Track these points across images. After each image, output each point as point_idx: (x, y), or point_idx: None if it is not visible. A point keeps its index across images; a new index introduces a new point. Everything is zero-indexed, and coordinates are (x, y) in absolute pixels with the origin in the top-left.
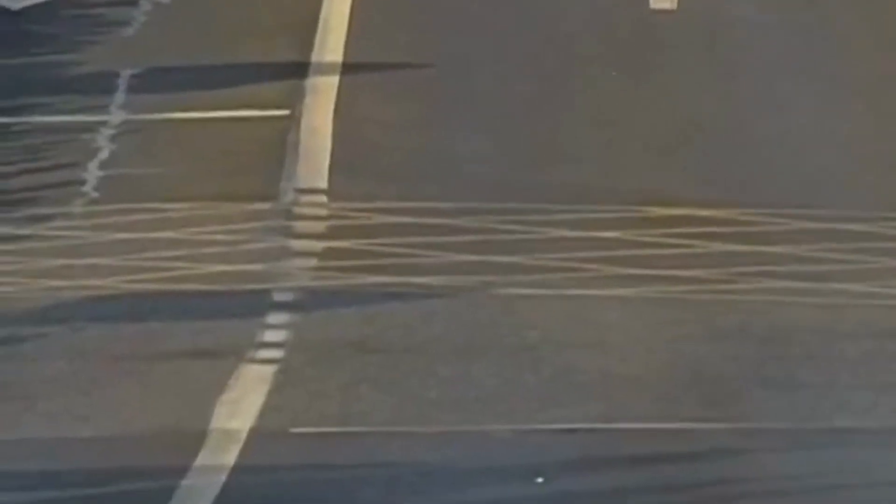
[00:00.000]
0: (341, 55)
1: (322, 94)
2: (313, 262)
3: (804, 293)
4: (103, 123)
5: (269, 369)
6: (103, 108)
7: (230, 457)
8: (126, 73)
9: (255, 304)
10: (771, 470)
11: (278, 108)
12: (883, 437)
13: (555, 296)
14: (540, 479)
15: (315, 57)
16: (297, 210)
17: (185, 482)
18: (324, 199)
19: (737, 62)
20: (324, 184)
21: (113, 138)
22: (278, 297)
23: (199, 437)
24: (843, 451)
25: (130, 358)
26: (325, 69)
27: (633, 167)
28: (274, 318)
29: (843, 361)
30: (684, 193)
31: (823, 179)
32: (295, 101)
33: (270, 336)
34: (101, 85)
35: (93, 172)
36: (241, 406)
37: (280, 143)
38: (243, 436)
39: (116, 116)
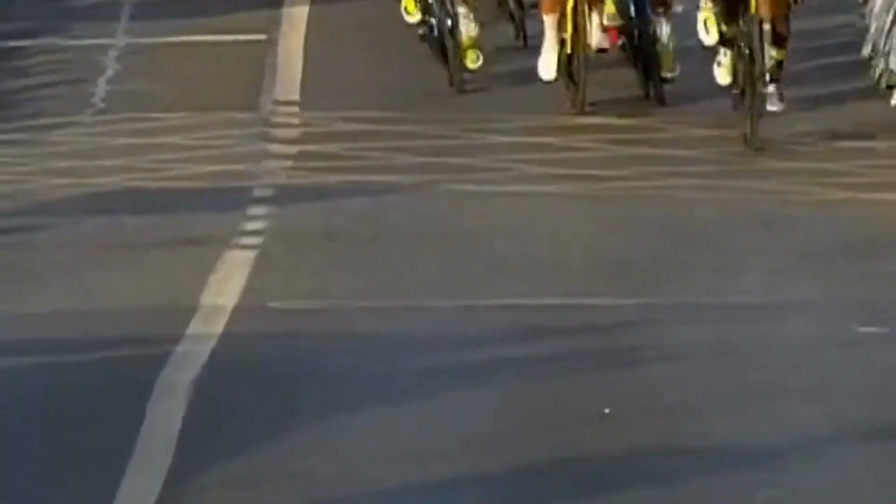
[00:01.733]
0: None
1: (295, 22)
2: (288, 163)
3: (705, 189)
4: (110, 46)
5: (250, 254)
6: (110, 33)
7: (217, 327)
8: (129, 4)
9: (237, 199)
10: (673, 339)
11: (258, 33)
12: (767, 311)
13: (495, 192)
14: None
15: None
16: (274, 119)
17: (178, 348)
18: (297, 109)
19: None
20: (297, 97)
21: (118, 59)
22: (258, 192)
23: (189, 311)
24: (734, 324)
25: (130, 245)
26: (298, 1)
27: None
28: (254, 210)
29: (737, 249)
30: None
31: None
32: (272, 27)
33: (251, 226)
34: (108, 13)
35: (101, 87)
36: (226, 285)
37: (259, 63)
38: (228, 310)
39: (121, 40)
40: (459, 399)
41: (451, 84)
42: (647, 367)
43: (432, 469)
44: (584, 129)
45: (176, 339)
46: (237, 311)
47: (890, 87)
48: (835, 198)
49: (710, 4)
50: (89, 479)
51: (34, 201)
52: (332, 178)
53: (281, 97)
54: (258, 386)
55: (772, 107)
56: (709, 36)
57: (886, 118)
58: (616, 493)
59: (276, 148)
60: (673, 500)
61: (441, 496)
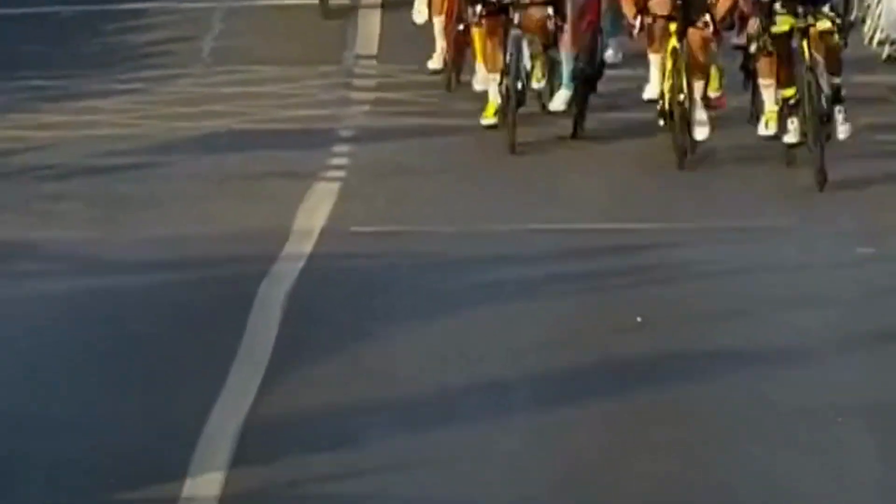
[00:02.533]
0: None
1: None
2: (366, 107)
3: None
4: (215, 8)
5: (335, 186)
6: None
7: (307, 248)
8: None
9: (324, 139)
10: (690, 258)
11: None
12: (766, 233)
13: (551, 140)
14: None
15: None
16: (355, 70)
17: (274, 267)
18: (374, 63)
19: None
20: (375, 51)
21: (222, 19)
22: (341, 133)
23: (284, 235)
24: (742, 245)
25: (234, 178)
26: None
27: None
28: (338, 148)
29: (748, 177)
30: None
31: None
32: None
33: (335, 161)
34: None
35: (208, 43)
36: (314, 212)
37: (343, 23)
38: (316, 233)
39: (224, 3)
40: (510, 311)
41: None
42: (672, 283)
43: (488, 371)
44: None
45: (273, 258)
46: (324, 233)
47: (881, 44)
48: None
49: (773, 107)
50: (201, 375)
51: (154, 142)
52: (405, 121)
53: (361, 52)
54: (341, 299)
55: (841, 134)
56: (767, 129)
57: None
58: (649, 388)
59: (356, 95)
60: (696, 393)
61: (495, 395)
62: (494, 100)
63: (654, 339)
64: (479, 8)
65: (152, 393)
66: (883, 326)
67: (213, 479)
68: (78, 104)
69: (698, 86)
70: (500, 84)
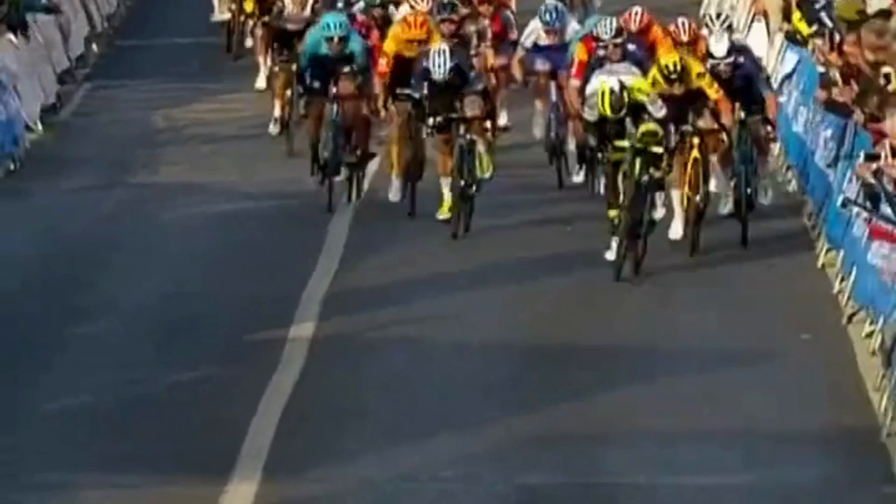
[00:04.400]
0: None
1: None
2: None
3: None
4: None
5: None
6: None
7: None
8: None
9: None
10: None
11: None
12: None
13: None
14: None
15: None
16: None
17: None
18: None
19: None
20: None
21: None
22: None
23: None
24: None
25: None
26: None
27: None
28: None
29: None
30: None
31: None
32: None
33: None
34: None
35: None
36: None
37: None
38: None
39: None
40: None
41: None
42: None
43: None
44: None
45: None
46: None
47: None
48: None
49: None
50: (298, 261)
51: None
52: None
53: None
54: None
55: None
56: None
57: None
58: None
59: None
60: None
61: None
62: (447, 198)
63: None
64: (430, 121)
65: (267, 271)
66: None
67: (308, 327)
68: (225, 97)
69: None
70: (452, 184)
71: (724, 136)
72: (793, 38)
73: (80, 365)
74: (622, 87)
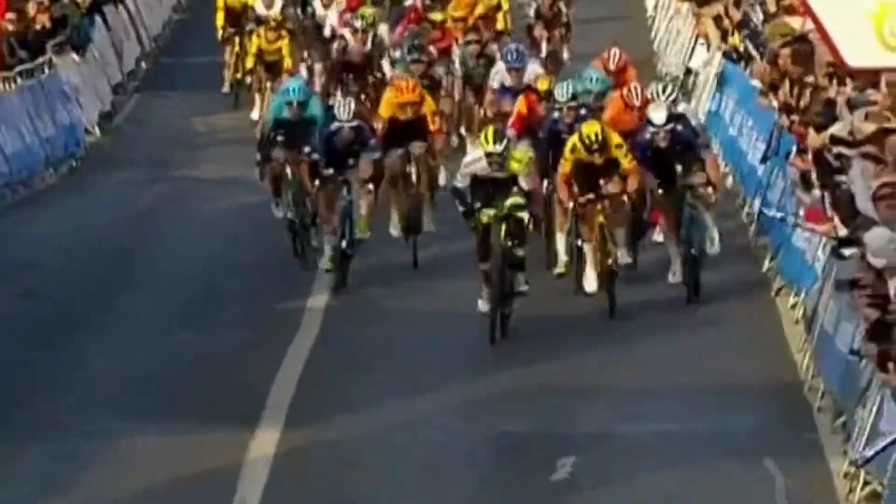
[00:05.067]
0: None
1: None
2: None
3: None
4: None
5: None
6: None
7: None
8: None
9: None
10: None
11: None
12: None
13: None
14: None
15: None
16: None
17: None
18: None
19: None
20: None
21: None
22: None
23: None
24: None
25: None
26: None
27: None
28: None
29: None
30: None
31: None
32: None
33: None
34: None
35: None
36: None
37: None
38: None
39: None
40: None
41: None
42: None
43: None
44: None
45: None
46: None
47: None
48: None
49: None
50: (310, 251)
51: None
52: None
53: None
54: None
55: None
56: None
57: None
58: None
59: None
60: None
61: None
62: (328, 252)
63: None
64: (317, 182)
65: (288, 251)
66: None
67: (322, 298)
68: (242, 112)
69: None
70: (333, 239)
71: (627, 202)
72: (730, 57)
73: (126, 331)
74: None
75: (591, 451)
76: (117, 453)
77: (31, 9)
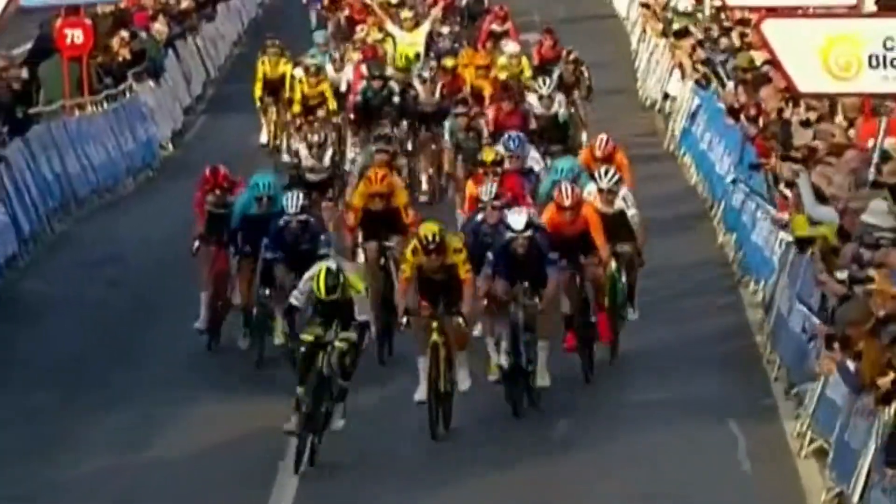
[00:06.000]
0: None
1: None
2: None
3: None
4: None
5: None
6: None
7: None
8: None
9: None
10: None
11: None
12: None
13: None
14: None
15: None
16: None
17: None
18: None
19: None
20: None
21: None
22: None
23: None
24: None
25: None
26: None
27: None
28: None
29: None
30: None
31: None
32: None
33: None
34: None
35: None
36: None
37: None
38: None
39: None
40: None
41: None
42: None
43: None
44: None
45: None
46: None
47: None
48: None
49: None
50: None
51: None
52: None
53: None
54: None
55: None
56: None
57: None
58: None
59: None
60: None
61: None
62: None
63: None
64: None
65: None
66: None
67: None
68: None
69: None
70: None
71: (463, 322)
72: (700, 83)
73: (193, 315)
74: (339, 271)
75: (583, 417)
76: (183, 419)
77: (115, 44)
